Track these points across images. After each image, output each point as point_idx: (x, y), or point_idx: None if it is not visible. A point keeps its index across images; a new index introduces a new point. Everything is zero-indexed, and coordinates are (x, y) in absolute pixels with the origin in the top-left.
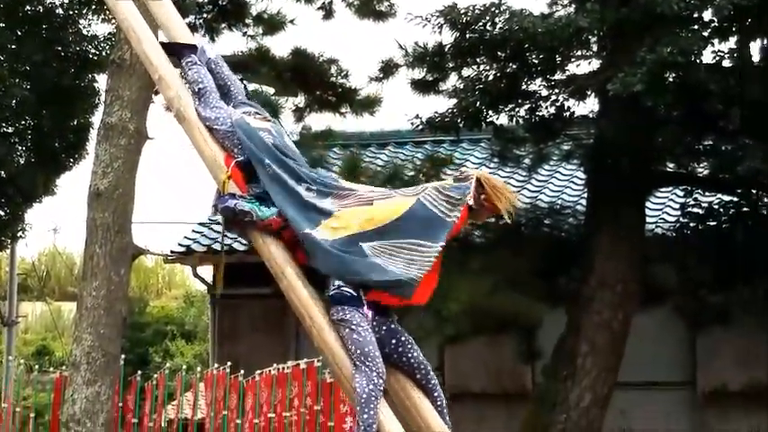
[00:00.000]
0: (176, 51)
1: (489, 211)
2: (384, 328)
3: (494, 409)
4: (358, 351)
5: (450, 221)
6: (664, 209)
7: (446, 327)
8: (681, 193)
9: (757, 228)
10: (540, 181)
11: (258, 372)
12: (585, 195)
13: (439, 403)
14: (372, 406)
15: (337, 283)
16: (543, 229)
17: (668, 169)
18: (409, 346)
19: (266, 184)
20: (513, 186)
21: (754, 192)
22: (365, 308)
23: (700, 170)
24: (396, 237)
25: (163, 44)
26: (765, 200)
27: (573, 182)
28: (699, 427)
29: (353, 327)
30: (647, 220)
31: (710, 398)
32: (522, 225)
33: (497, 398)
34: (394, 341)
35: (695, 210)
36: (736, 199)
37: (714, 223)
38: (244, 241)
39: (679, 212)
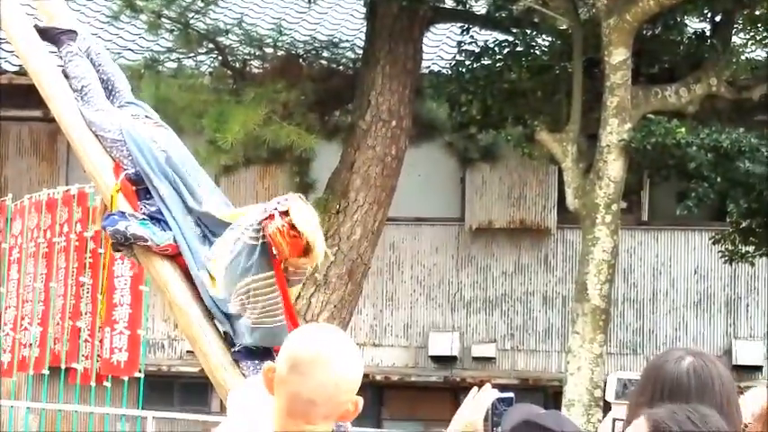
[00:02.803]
0: (52, 38)
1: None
2: None
3: None
4: None
5: (259, 244)
6: (441, 46)
7: (221, 157)
8: (458, 31)
9: (529, 67)
10: (319, 13)
11: (27, 196)
12: (364, 29)
13: None
14: None
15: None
16: (321, 61)
17: (446, 6)
18: None
19: (159, 206)
20: (293, 18)
21: (527, 31)
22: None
23: (477, 8)
24: (237, 281)
25: (38, 29)
26: (538, 40)
27: (353, 15)
28: (465, 262)
29: None
30: (424, 56)
31: (477, 233)
32: (300, 57)
33: None
34: None
35: (471, 47)
36: (510, 38)
37: (488, 62)
38: (14, 61)
39: (455, 50)
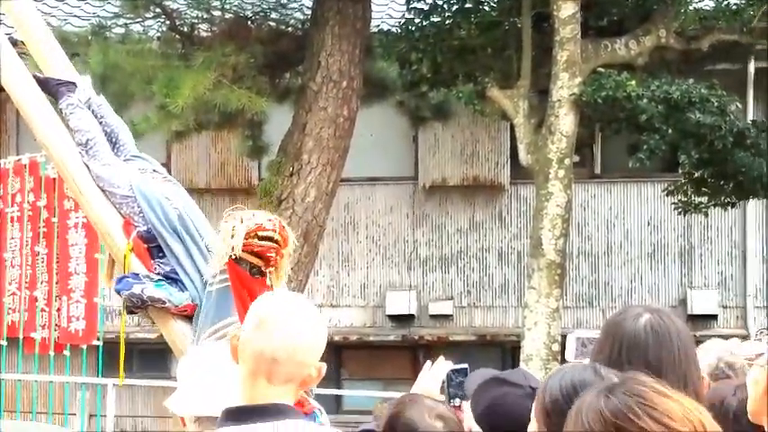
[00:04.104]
0: (52, 89)
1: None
2: None
3: (219, 204)
4: None
5: (215, 289)
6: (389, 5)
7: (172, 122)
8: None
9: (478, 24)
10: None
11: None
12: None
13: None
14: None
15: None
16: (269, 23)
17: None
18: None
19: (174, 265)
20: None
21: None
22: None
23: None
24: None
25: (37, 80)
26: None
27: None
28: (420, 220)
29: None
30: (373, 15)
31: (431, 191)
32: (248, 19)
33: (223, 192)
34: None
35: (420, 5)
36: None
37: (438, 19)
38: None
39: (404, 8)
